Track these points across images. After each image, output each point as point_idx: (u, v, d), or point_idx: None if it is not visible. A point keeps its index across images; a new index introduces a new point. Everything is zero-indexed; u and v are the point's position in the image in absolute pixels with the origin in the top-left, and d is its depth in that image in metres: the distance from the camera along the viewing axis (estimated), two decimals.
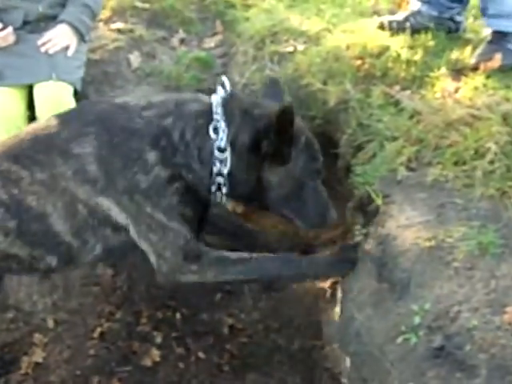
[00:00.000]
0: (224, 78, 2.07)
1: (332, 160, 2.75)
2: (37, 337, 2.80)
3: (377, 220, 2.09)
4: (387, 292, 1.86)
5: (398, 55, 2.74)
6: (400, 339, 1.72)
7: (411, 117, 2.41)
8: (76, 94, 2.96)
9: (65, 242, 2.02)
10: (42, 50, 2.96)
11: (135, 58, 3.27)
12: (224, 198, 2.03)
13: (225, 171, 1.94)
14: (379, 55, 2.76)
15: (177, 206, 1.93)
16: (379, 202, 2.11)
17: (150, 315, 2.81)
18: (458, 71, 2.66)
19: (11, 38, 2.96)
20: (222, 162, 1.93)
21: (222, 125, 1.91)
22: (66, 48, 3.01)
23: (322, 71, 2.77)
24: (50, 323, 2.84)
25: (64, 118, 2.06)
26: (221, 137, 1.91)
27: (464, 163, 2.13)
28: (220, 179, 1.96)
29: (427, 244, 1.86)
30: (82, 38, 3.08)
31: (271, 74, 2.93)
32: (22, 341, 2.80)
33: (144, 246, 1.99)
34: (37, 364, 2.70)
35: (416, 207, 2.02)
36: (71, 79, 2.96)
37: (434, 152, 2.21)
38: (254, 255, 2.00)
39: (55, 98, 2.86)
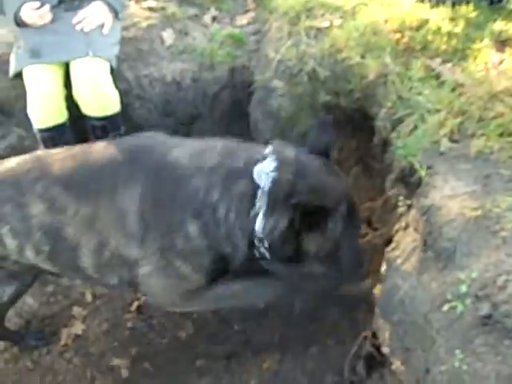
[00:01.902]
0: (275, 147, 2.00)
1: (368, 136, 2.73)
2: (76, 310, 2.85)
3: (420, 191, 2.06)
4: (432, 261, 1.84)
5: (439, 28, 2.69)
6: (446, 308, 1.70)
7: (453, 89, 2.37)
8: (112, 71, 2.96)
9: (87, 274, 2.10)
10: (78, 28, 2.96)
11: (168, 36, 3.26)
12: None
13: (266, 245, 1.95)
14: (419, 28, 2.71)
15: (207, 265, 1.98)
16: (422, 173, 2.08)
17: None
18: (501, 43, 2.60)
19: (48, 17, 2.97)
20: (260, 240, 1.94)
21: (261, 215, 1.90)
22: (102, 25, 3.01)
23: (360, 45, 2.73)
24: (89, 297, 2.89)
25: (118, 157, 2.04)
26: (259, 225, 1.91)
27: (509, 135, 2.08)
28: (262, 250, 1.97)
29: (473, 214, 1.83)
30: (116, 15, 3.08)
31: (307, 49, 2.90)
32: (62, 314, 2.85)
33: (152, 285, 2.04)
34: (76, 336, 2.75)
35: (460, 178, 1.99)
36: (107, 56, 2.96)
37: (477, 124, 2.18)
38: (250, 285, 2.10)
39: (92, 75, 2.87)
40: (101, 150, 2.09)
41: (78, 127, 3.02)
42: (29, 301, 2.87)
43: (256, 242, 1.93)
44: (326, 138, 2.08)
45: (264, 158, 1.93)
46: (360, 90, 2.71)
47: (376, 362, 2.17)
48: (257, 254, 1.98)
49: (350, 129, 2.91)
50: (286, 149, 2.00)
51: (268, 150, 1.97)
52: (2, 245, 2.09)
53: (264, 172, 1.90)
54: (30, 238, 2.05)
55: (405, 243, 2.02)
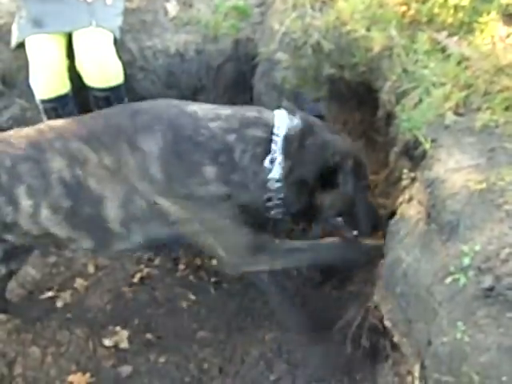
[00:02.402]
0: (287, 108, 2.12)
1: (372, 109, 2.72)
2: (78, 281, 2.86)
3: (424, 164, 2.05)
4: (435, 234, 1.84)
5: (445, 0, 2.64)
6: (448, 280, 1.70)
7: (459, 62, 2.35)
8: (115, 42, 2.93)
9: (109, 228, 2.07)
10: None
11: (172, 7, 3.23)
12: (280, 216, 2.14)
13: (276, 199, 2.05)
14: (425, 1, 2.67)
15: (236, 215, 2.03)
16: (427, 146, 2.08)
17: (189, 261, 2.82)
18: (509, 16, 2.57)
19: None
20: (275, 190, 2.03)
21: (279, 159, 2.00)
22: None
23: (365, 18, 2.70)
24: (91, 268, 2.89)
25: (137, 108, 2.09)
26: (276, 170, 2.00)
27: None
28: (275, 202, 2.06)
29: (478, 187, 1.82)
30: None
31: (312, 21, 2.87)
32: (64, 285, 2.85)
33: (208, 241, 2.08)
34: (78, 307, 2.77)
35: (465, 151, 1.98)
36: (110, 26, 2.93)
37: (483, 97, 2.16)
38: (318, 243, 2.21)
39: (95, 46, 2.85)
40: (117, 108, 2.17)
41: (80, 99, 3.00)
42: (31, 272, 2.88)
43: (271, 193, 2.01)
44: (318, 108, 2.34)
45: (273, 113, 2.07)
46: (365, 63, 2.70)
47: (378, 333, 2.17)
48: (271, 210, 2.05)
49: (354, 102, 2.90)
50: (294, 108, 2.15)
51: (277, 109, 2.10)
52: (16, 207, 2.06)
53: (282, 123, 2.03)
54: (48, 195, 2.03)
55: (408, 216, 2.02)
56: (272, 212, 2.07)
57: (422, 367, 1.76)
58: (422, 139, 2.11)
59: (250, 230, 2.05)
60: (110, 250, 2.26)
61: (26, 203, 2.04)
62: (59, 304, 2.78)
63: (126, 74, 2.96)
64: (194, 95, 3.22)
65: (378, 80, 2.66)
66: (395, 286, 1.92)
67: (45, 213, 2.05)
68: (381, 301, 2.05)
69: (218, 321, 2.62)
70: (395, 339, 1.95)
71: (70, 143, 2.02)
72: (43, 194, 2.03)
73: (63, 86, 2.90)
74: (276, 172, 1.99)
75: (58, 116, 2.90)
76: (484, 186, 1.82)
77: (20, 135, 2.12)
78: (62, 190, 2.02)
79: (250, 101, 3.12)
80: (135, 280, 2.82)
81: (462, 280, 1.68)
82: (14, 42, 3.00)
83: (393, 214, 2.17)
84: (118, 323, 2.68)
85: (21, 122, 3.08)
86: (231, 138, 1.98)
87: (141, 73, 3.14)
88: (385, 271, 2.02)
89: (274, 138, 2.00)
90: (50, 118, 2.95)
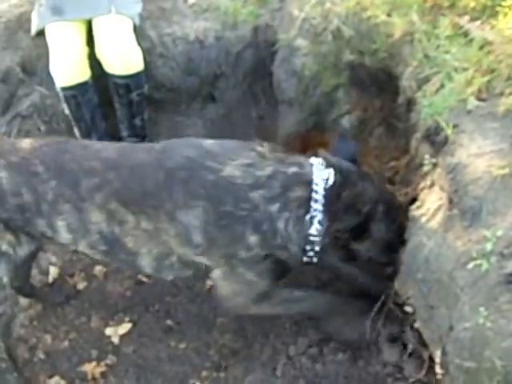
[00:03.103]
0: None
1: (392, 96, 2.70)
2: (97, 268, 2.87)
3: (446, 149, 2.04)
4: (457, 219, 1.83)
5: None
6: (471, 265, 1.70)
7: (481, 47, 2.32)
8: (135, 29, 2.94)
9: (143, 270, 2.20)
10: None
11: None
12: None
13: (317, 249, 2.07)
14: None
15: (269, 271, 2.09)
16: (449, 131, 2.06)
17: None
18: None
19: None
20: (313, 242, 2.05)
21: (319, 217, 2.00)
22: None
23: (386, 3, 2.67)
24: None
25: (173, 177, 1.99)
26: (316, 227, 2.01)
27: None
28: (311, 254, 2.08)
29: (500, 172, 1.81)
30: None
31: (332, 7, 2.85)
32: (85, 272, 2.87)
33: (222, 288, 2.17)
34: (98, 294, 2.79)
35: (487, 136, 1.97)
36: (130, 13, 2.94)
37: (506, 82, 2.13)
38: (319, 296, 2.33)
39: (115, 32, 2.85)
40: (156, 162, 2.04)
41: (100, 86, 3.01)
42: (52, 259, 2.90)
43: (308, 246, 2.05)
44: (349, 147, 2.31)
45: (311, 165, 2.05)
46: (385, 49, 2.67)
47: (398, 319, 2.17)
48: (305, 259, 2.10)
49: (374, 89, 2.88)
50: (329, 157, 2.15)
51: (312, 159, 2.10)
52: (55, 232, 2.11)
53: (319, 177, 2.01)
54: (86, 237, 2.09)
55: (430, 201, 2.01)
56: (304, 259, 2.11)
57: (444, 353, 1.76)
58: (443, 125, 2.09)
59: (270, 282, 2.11)
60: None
61: (65, 235, 2.11)
62: (79, 290, 2.80)
63: (145, 62, 2.95)
64: (214, 82, 3.22)
65: (398, 66, 2.63)
66: (416, 272, 1.92)
67: (83, 247, 2.14)
68: (401, 286, 2.04)
69: None
70: (416, 325, 1.94)
71: (109, 203, 2.02)
72: (82, 235, 2.09)
73: (83, 74, 2.91)
74: (315, 229, 2.01)
75: (78, 104, 2.93)
76: (507, 171, 1.81)
77: (60, 162, 2.09)
78: (99, 238, 2.08)
79: (269, 87, 3.11)
80: None
81: (485, 265, 1.67)
82: (33, 29, 3.01)
83: (414, 200, 2.16)
84: (138, 310, 2.69)
85: (41, 109, 3.11)
86: (274, 208, 1.96)
87: (160, 60, 3.14)
88: (406, 257, 2.01)
89: (313, 195, 2.00)
90: (69, 105, 2.96)
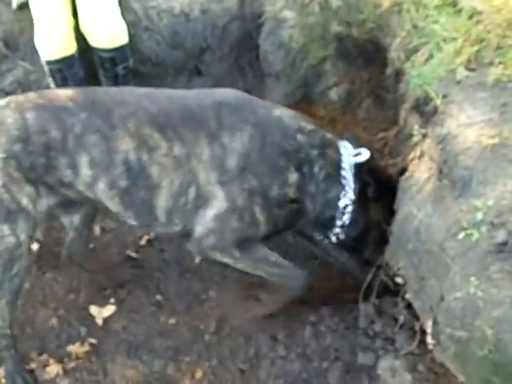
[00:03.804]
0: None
1: (380, 67, 2.68)
2: None
3: (435, 120, 2.03)
4: (447, 189, 1.83)
5: None
6: (461, 235, 1.70)
7: (470, 17, 2.30)
8: (120, 2, 2.89)
9: (155, 215, 2.10)
10: None
11: None
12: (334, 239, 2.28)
13: (346, 220, 2.20)
14: None
15: (282, 218, 2.13)
16: (438, 102, 2.05)
17: None
18: None
19: None
20: (343, 213, 2.18)
21: (350, 183, 2.16)
22: None
23: None
24: (97, 231, 2.87)
25: (220, 99, 2.09)
26: (348, 193, 2.16)
27: None
28: (339, 225, 2.21)
29: (490, 141, 1.81)
30: None
31: None
32: None
33: (210, 220, 2.07)
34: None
35: (477, 106, 1.96)
36: None
37: (495, 52, 2.13)
38: (290, 266, 2.23)
39: (99, 6, 2.81)
40: (198, 94, 2.15)
41: (86, 60, 2.97)
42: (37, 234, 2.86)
43: (338, 213, 2.18)
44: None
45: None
46: (373, 20, 2.66)
47: (389, 291, 2.18)
48: (331, 232, 2.24)
49: (361, 60, 2.86)
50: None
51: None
52: (76, 172, 2.05)
53: (348, 147, 2.21)
54: (108, 172, 2.03)
55: (420, 172, 2.00)
56: (332, 233, 2.23)
57: (435, 323, 1.76)
58: (432, 95, 2.08)
59: (262, 232, 2.12)
60: (150, 231, 2.43)
61: (85, 172, 2.04)
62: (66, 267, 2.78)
63: (130, 35, 2.92)
64: (200, 55, 3.18)
65: (386, 37, 2.62)
66: (407, 243, 1.92)
67: (101, 186, 2.06)
68: (392, 258, 2.04)
69: (228, 280, 2.62)
70: (407, 296, 1.95)
71: (143, 127, 2.00)
72: (104, 169, 2.03)
73: (69, 48, 2.86)
74: (349, 194, 2.16)
75: (64, 78, 2.88)
76: (496, 140, 1.81)
77: (92, 97, 2.09)
78: (123, 171, 2.02)
79: (256, 60, 3.08)
80: (143, 242, 2.82)
81: (475, 235, 1.67)
82: (14, 2, 2.96)
83: (403, 170, 2.15)
84: (127, 286, 2.68)
85: (25, 85, 3.06)
86: (314, 153, 2.10)
87: (145, 33, 3.09)
88: (396, 228, 2.02)
89: (343, 165, 2.16)
90: (55, 79, 2.92)
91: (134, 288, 2.67)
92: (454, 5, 2.40)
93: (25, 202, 2.07)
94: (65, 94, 2.10)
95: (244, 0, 3.13)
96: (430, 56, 2.26)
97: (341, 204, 2.17)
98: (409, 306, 2.03)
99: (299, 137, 2.09)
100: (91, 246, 2.80)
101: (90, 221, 2.56)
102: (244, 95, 2.20)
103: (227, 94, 2.18)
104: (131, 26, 2.97)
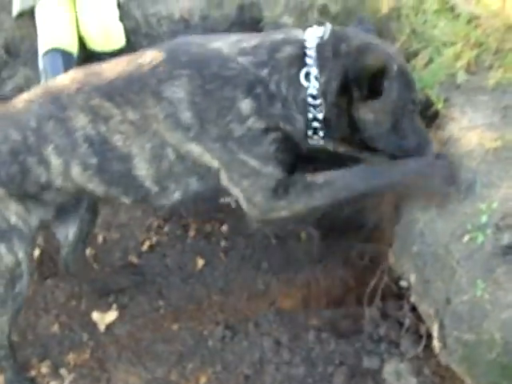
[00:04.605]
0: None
1: None
2: (87, 251, 2.83)
3: (437, 123, 2.04)
4: (452, 192, 1.83)
5: None
6: (466, 238, 1.71)
7: (469, 21, 2.32)
8: (119, 6, 2.90)
9: (143, 186, 2.00)
10: None
11: None
12: (322, 141, 1.95)
13: (320, 116, 1.86)
14: None
15: (273, 153, 1.87)
16: (439, 105, 2.06)
17: (198, 227, 2.82)
18: None
19: None
20: (315, 107, 1.86)
21: (315, 71, 1.83)
22: None
23: None
24: (100, 238, 2.88)
25: (156, 55, 1.96)
26: (313, 85, 1.83)
27: None
28: (316, 124, 1.88)
29: (493, 145, 1.82)
30: None
31: None
32: None
33: (235, 191, 1.93)
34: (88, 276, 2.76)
35: (478, 110, 1.98)
36: None
37: (494, 55, 2.15)
38: (341, 172, 1.89)
39: (97, 8, 2.84)
40: (135, 57, 2.02)
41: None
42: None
43: (310, 115, 1.86)
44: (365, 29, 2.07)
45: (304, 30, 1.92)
46: (372, 25, 2.65)
47: (394, 295, 2.19)
48: (310, 133, 1.90)
49: None
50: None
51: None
52: (47, 166, 2.02)
53: (312, 35, 1.87)
54: (75, 153, 1.98)
55: None
56: (314, 138, 1.91)
57: (441, 326, 1.77)
58: (434, 99, 2.09)
59: (280, 172, 1.88)
60: (150, 205, 2.25)
61: (56, 162, 2.01)
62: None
63: (130, 42, 2.94)
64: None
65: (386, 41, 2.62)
66: (411, 246, 1.92)
67: (76, 170, 2.01)
68: (396, 261, 2.05)
69: (230, 285, 2.63)
70: (412, 299, 1.96)
71: (92, 99, 1.95)
72: (71, 152, 1.98)
73: (70, 44, 2.86)
74: (313, 87, 1.83)
75: (57, 70, 2.85)
76: (499, 143, 1.82)
77: (42, 92, 2.07)
78: (87, 148, 1.96)
79: None
80: (145, 248, 2.82)
81: (480, 238, 1.68)
82: (15, 11, 2.97)
83: None
84: (129, 292, 2.69)
85: (26, 91, 3.05)
86: (264, 72, 1.83)
87: (145, 40, 3.09)
88: (400, 231, 2.02)
89: (306, 51, 1.83)
90: (48, 73, 2.88)
91: (136, 294, 2.68)
92: (453, 10, 2.41)
93: (14, 219, 2.09)
94: (21, 99, 2.11)
95: (243, 6, 3.13)
96: (430, 60, 2.27)
97: (310, 100, 1.85)
98: (414, 309, 2.03)
99: (240, 59, 1.84)
100: (93, 252, 2.81)
101: (86, 236, 2.53)
102: (183, 39, 2.03)
103: (165, 45, 2.04)
104: (131, 32, 2.98)
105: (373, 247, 2.32)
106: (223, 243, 2.78)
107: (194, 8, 3.09)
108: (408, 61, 2.37)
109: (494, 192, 1.73)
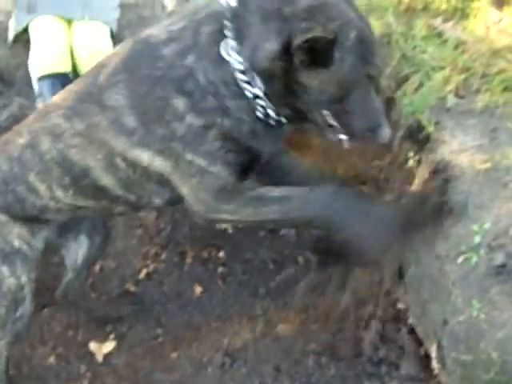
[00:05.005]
0: None
1: None
2: None
3: (429, 146, 2.08)
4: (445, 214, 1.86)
5: None
6: (461, 259, 1.74)
7: (456, 47, 2.39)
8: (113, 36, 2.94)
9: (119, 195, 1.96)
10: None
11: (170, 2, 3.27)
12: (277, 119, 1.75)
13: (258, 92, 1.67)
14: None
15: (218, 151, 1.74)
16: (430, 129, 2.11)
17: (195, 254, 2.83)
18: (499, 2, 2.62)
19: None
20: (250, 83, 1.66)
21: (231, 42, 1.63)
22: None
23: (362, 6, 2.71)
24: (96, 267, 2.87)
25: (100, 63, 1.94)
26: (235, 59, 1.64)
27: None
28: (260, 102, 1.69)
29: (483, 166, 1.86)
30: None
31: None
32: None
33: (184, 190, 1.85)
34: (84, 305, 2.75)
35: (468, 133, 2.03)
36: (106, 19, 2.95)
37: (481, 79, 2.20)
38: (302, 191, 1.74)
39: (91, 39, 2.87)
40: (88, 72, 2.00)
41: None
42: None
43: (248, 93, 1.68)
44: None
45: None
46: None
47: (392, 317, 2.20)
48: (260, 115, 1.72)
49: None
50: None
51: None
52: (36, 193, 2.03)
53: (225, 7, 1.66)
54: (51, 176, 1.98)
55: None
56: (260, 117, 1.73)
57: (439, 347, 1.78)
58: (425, 122, 2.13)
59: (227, 173, 1.76)
60: (145, 209, 2.16)
61: (41, 187, 2.02)
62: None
63: None
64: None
65: None
66: (407, 268, 1.94)
67: (58, 192, 2.01)
68: (393, 284, 2.07)
69: (229, 312, 2.62)
70: (410, 321, 1.97)
71: (50, 118, 1.95)
72: (48, 176, 1.98)
73: (64, 65, 2.90)
74: (237, 61, 1.64)
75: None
76: (489, 165, 1.86)
77: (25, 123, 2.10)
78: (57, 168, 1.96)
79: None
80: (142, 276, 2.82)
81: (474, 258, 1.71)
82: (11, 35, 3.01)
83: (400, 197, 2.19)
84: (127, 321, 2.67)
85: (20, 120, 3.05)
86: (190, 60, 1.68)
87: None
88: (396, 253, 2.03)
89: (224, 22, 1.64)
90: (45, 98, 2.92)
91: (134, 322, 2.66)
92: (440, 35, 2.48)
93: (17, 243, 2.09)
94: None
95: None
96: (421, 84, 2.32)
97: (240, 76, 1.66)
98: (412, 331, 2.05)
99: (165, 51, 1.71)
100: (90, 281, 2.80)
101: (92, 262, 2.54)
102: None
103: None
104: None
105: (370, 271, 2.33)
106: (220, 269, 2.78)
107: None
108: (399, 85, 2.43)
109: (486, 213, 1.76)
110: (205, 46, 1.69)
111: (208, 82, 1.68)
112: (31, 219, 2.10)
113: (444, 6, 2.64)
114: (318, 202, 1.71)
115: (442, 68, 2.31)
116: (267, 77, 1.65)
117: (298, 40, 1.53)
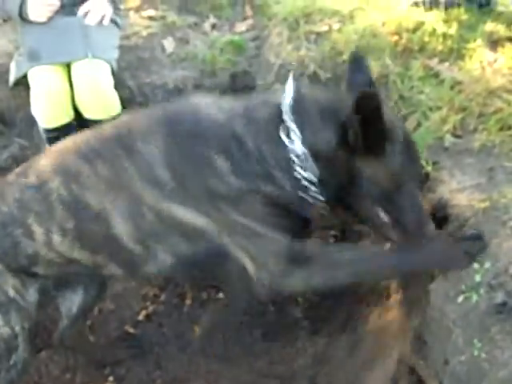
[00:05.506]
0: (290, 79, 1.82)
1: None
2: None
3: (428, 186, 2.09)
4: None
5: (434, 29, 2.77)
6: (461, 298, 1.73)
7: (452, 87, 2.44)
8: (113, 74, 2.97)
9: (126, 248, 1.87)
10: (86, 20, 2.96)
11: (169, 44, 3.31)
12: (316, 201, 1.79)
13: (312, 177, 1.72)
14: (415, 30, 2.79)
15: (267, 215, 1.73)
16: (429, 168, 2.12)
17: (195, 296, 2.81)
18: (493, 43, 2.68)
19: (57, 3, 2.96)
20: (303, 167, 1.71)
21: (293, 126, 1.70)
22: (101, 21, 2.99)
23: (360, 47, 2.78)
24: (95, 310, 2.85)
25: (134, 115, 1.96)
26: (294, 141, 1.70)
27: (509, 128, 2.16)
28: (307, 184, 1.73)
29: (481, 205, 1.87)
30: (115, 5, 3.08)
31: (307, 53, 2.96)
32: None
33: (240, 254, 1.77)
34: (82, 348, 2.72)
35: (466, 172, 2.05)
36: (107, 57, 2.95)
37: (478, 119, 2.25)
38: (369, 253, 1.82)
39: (93, 76, 2.87)
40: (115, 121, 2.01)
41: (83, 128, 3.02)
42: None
43: (297, 175, 1.71)
44: (362, 76, 1.90)
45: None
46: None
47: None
48: (301, 193, 1.74)
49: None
50: None
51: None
52: (32, 237, 1.97)
53: (288, 89, 1.75)
54: (53, 219, 1.91)
55: None
56: (307, 199, 1.75)
57: None
58: (423, 162, 2.15)
59: (284, 238, 1.72)
60: (140, 275, 2.07)
61: (38, 231, 1.95)
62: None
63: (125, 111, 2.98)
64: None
65: None
66: (409, 312, 1.93)
67: (56, 238, 1.94)
68: None
69: (229, 353, 2.59)
70: (411, 362, 1.95)
71: (64, 157, 1.92)
72: (49, 218, 1.92)
73: (66, 116, 2.91)
74: (294, 144, 1.69)
75: None
76: (487, 204, 1.87)
77: (30, 164, 2.06)
78: (62, 210, 1.90)
79: None
80: (141, 317, 2.80)
81: (474, 297, 1.70)
82: (12, 79, 3.03)
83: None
84: (126, 363, 2.63)
85: (20, 161, 3.08)
86: (239, 125, 1.73)
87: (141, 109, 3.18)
88: None
89: (283, 108, 1.71)
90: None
91: (133, 365, 2.62)
92: (437, 76, 2.53)
93: (12, 293, 2.04)
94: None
95: (236, 74, 3.24)
96: (418, 124, 2.36)
97: (294, 158, 1.71)
98: (413, 371, 2.02)
99: (214, 116, 1.77)
100: (88, 323, 2.78)
101: (88, 309, 2.51)
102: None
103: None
104: (126, 102, 3.03)
105: (371, 311, 2.32)
106: (220, 310, 2.76)
107: (188, 77, 3.19)
108: None
109: (486, 251, 1.75)
110: (259, 121, 1.74)
111: (256, 148, 1.71)
112: (23, 271, 2.05)
113: (440, 47, 2.71)
114: (386, 264, 1.75)
115: (439, 108, 2.35)
116: (325, 164, 1.71)
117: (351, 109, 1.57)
